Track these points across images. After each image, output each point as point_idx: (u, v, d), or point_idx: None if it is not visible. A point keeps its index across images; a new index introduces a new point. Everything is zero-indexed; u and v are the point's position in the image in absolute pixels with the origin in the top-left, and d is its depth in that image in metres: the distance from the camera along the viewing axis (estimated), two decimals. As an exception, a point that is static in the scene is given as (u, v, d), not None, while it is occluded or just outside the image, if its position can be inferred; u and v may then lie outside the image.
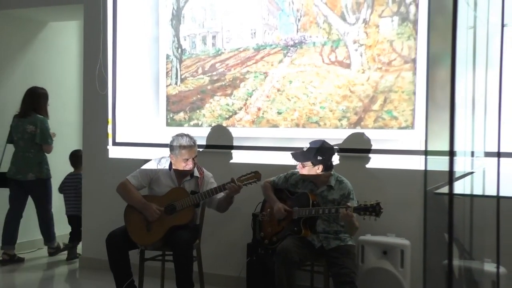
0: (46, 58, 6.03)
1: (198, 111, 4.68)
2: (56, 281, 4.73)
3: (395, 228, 3.89)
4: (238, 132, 4.53)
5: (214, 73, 4.62)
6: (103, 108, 5.07)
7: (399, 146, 4.00)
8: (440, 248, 3.16)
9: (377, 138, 4.06)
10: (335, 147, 3.82)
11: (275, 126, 4.40)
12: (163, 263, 4.32)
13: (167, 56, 4.81)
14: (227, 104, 4.57)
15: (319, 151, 3.63)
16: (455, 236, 3.21)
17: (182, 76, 4.75)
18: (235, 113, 4.55)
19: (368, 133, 4.09)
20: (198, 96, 4.69)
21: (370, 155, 4.09)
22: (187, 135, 3.97)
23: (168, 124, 4.80)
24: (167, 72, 4.81)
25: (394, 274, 3.66)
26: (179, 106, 4.76)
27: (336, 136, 4.15)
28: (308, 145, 3.69)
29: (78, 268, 5.15)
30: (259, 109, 4.46)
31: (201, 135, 4.55)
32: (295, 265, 3.52)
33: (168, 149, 4.00)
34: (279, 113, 4.38)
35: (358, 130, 4.12)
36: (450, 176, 1.75)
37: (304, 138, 3.94)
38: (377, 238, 3.82)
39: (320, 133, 4.17)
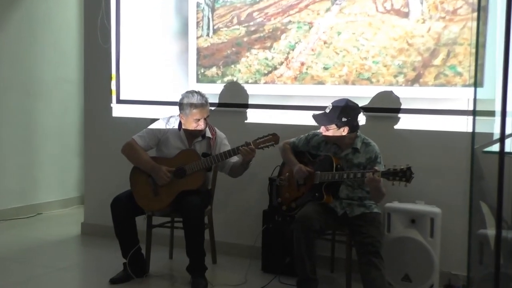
0: (44, 10, 5.92)
1: (233, 66, 4.53)
2: (57, 249, 4.72)
3: (424, 195, 3.82)
4: (279, 90, 4.35)
5: (251, 23, 4.45)
6: (106, 63, 4.97)
7: (464, 106, 3.79)
8: (475, 216, 3.10)
9: (438, 96, 3.87)
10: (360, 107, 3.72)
11: (321, 83, 4.23)
12: (172, 230, 4.33)
13: (198, 4, 4.60)
14: (266, 58, 4.41)
15: (344, 111, 3.53)
16: (490, 203, 3.14)
17: (215, 27, 4.57)
18: (275, 68, 4.39)
19: (428, 91, 3.90)
20: (233, 49, 4.52)
21: (400, 115, 3.99)
22: (198, 93, 3.89)
23: (199, 81, 4.64)
24: (197, 22, 4.62)
25: (423, 244, 3.61)
26: (211, 60, 4.60)
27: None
28: (330, 105, 3.58)
29: (81, 234, 5.15)
30: (302, 64, 4.28)
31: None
32: (315, 234, 3.47)
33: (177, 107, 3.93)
34: (325, 68, 4.22)
35: (416, 87, 3.94)
36: (502, 135, 1.65)
37: (353, 97, 3.73)
38: (404, 206, 3.76)
39: (372, 91, 4.03)
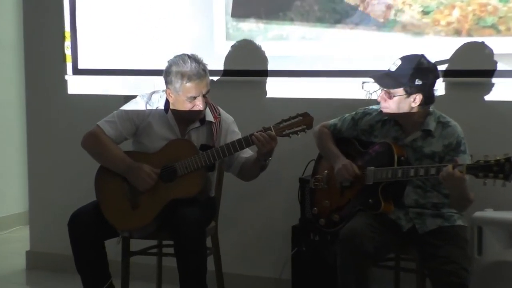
0: None
1: (281, 14, 4.54)
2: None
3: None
4: (354, 45, 4.37)
5: None
6: (56, 16, 5.03)
7: None
8: None
9: None
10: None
11: (418, 34, 4.23)
12: (159, 259, 4.37)
13: None
14: (332, 1, 4.42)
15: (418, 71, 3.51)
16: None
17: None
18: (348, 15, 4.40)
19: None
20: (281, -11, 4.53)
21: (495, 80, 4.00)
22: (193, 57, 3.89)
23: (229, 37, 4.68)
24: None
25: (532, 271, 3.64)
26: (247, 7, 4.63)
27: None
28: (398, 61, 3.57)
29: (25, 268, 5.24)
30: (389, 7, 4.28)
31: (287, 54, 4.47)
32: (369, 259, 3.50)
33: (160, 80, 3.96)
34: (425, 12, 4.21)
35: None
36: None
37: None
38: (503, 215, 3.78)
39: (498, 44, 4.00)
